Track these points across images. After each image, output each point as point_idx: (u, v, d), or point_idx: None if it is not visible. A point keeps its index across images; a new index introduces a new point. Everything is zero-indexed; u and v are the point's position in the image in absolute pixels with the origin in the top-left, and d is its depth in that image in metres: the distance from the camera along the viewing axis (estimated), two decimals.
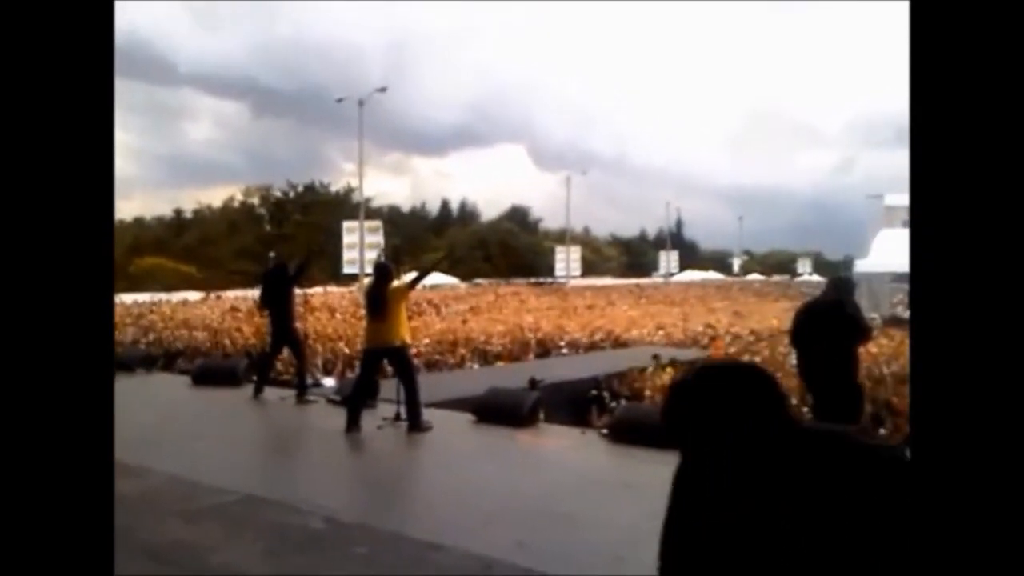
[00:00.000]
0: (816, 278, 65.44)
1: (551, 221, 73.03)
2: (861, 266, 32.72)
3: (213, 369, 10.63)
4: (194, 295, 31.98)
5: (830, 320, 5.04)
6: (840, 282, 5.36)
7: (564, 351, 17.09)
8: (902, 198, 35.85)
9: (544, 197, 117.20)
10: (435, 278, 40.05)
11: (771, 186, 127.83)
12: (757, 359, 12.77)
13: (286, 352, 9.94)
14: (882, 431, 7.43)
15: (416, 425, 7.22)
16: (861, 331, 5.09)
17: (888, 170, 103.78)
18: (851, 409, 5.05)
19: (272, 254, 10.60)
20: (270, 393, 9.31)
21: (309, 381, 10.16)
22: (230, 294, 32.38)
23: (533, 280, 51.54)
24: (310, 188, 60.40)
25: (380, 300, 7.33)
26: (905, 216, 34.51)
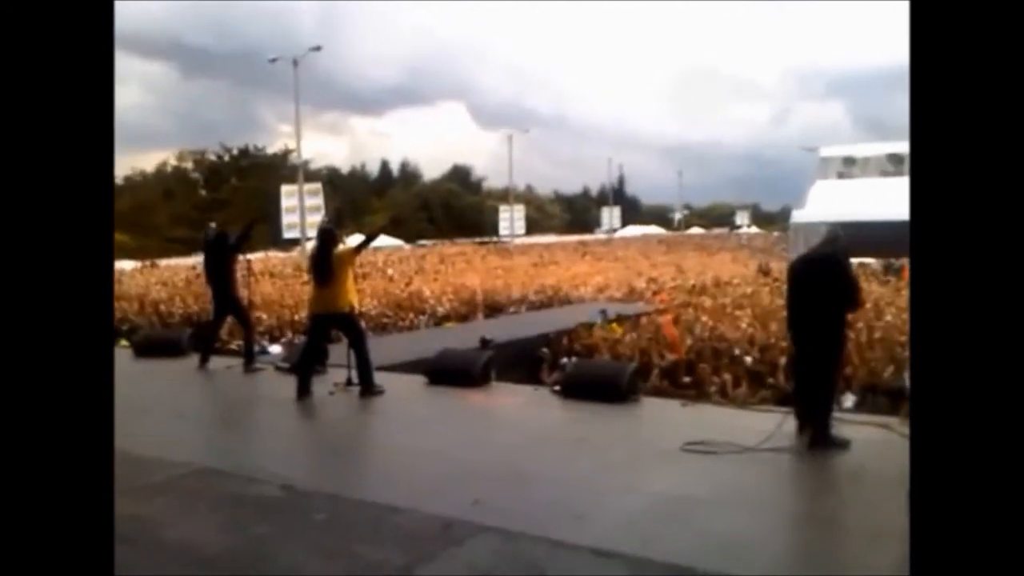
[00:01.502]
0: (754, 230, 66.87)
1: (494, 180, 72.65)
2: (797, 216, 33.49)
3: (155, 340, 10.38)
4: (129, 264, 30.96)
5: (828, 287, 5.26)
6: (835, 236, 5.51)
7: (512, 310, 17.17)
8: (836, 149, 36.75)
9: (486, 156, 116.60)
10: (379, 240, 39.50)
11: (709, 140, 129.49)
12: (700, 311, 13.06)
13: (229, 320, 9.77)
14: None
15: (368, 389, 7.20)
16: (855, 304, 5.44)
17: (821, 121, 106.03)
18: (834, 357, 5.40)
19: (212, 224, 10.30)
20: (215, 363, 9.14)
21: (256, 349, 10.02)
22: (166, 263, 31.51)
23: (478, 240, 51.39)
24: (245, 152, 58.71)
25: (325, 265, 7.22)
26: (839, 167, 35.42)
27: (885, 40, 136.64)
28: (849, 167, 35.36)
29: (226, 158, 58.48)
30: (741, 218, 74.34)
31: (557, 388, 7.20)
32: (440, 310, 16.43)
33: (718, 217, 79.32)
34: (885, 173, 34.19)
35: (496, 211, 56.51)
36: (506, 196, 56.44)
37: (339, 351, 7.98)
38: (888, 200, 29.55)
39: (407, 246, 46.04)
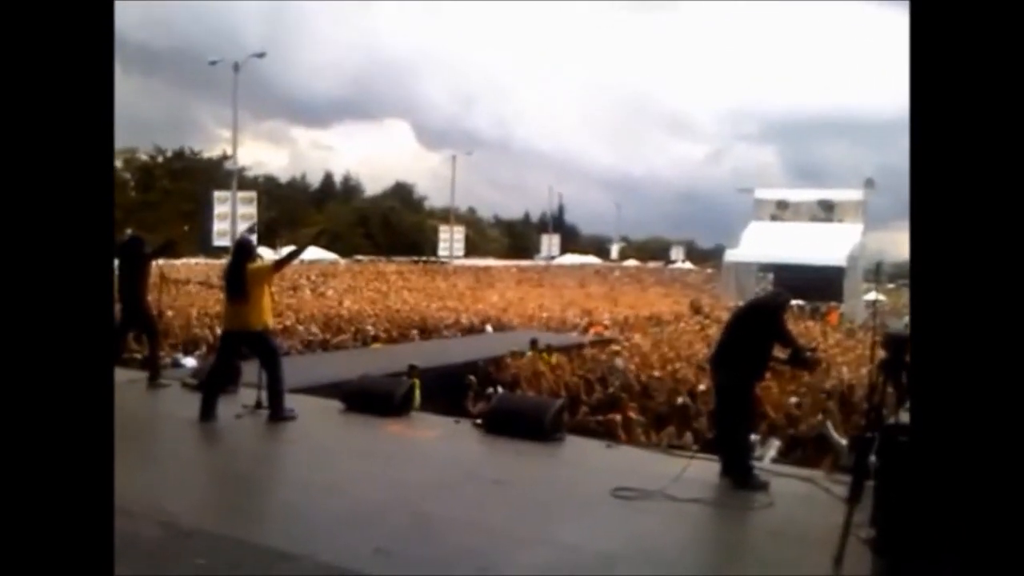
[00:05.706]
0: (688, 265, 68.19)
1: (435, 200, 72.35)
2: (731, 256, 34.27)
3: None
4: None
5: (761, 332, 5.51)
6: (780, 292, 6.71)
7: (444, 333, 16.84)
8: (770, 193, 37.80)
9: (428, 175, 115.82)
10: (314, 253, 38.72)
11: (646, 174, 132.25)
12: (631, 347, 12.98)
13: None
14: None
15: (278, 414, 6.76)
16: (801, 360, 5.74)
17: (753, 163, 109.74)
18: (750, 399, 5.70)
19: (129, 231, 9.74)
20: (119, 375, 8.48)
21: (167, 361, 9.48)
22: None
23: (415, 259, 50.84)
24: (180, 154, 56.89)
25: (239, 280, 6.77)
26: (773, 210, 36.37)
27: (818, 88, 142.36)
28: (782, 210, 36.33)
29: (159, 159, 56.54)
30: (676, 253, 75.71)
31: (479, 421, 6.90)
32: (370, 330, 15.98)
33: (654, 251, 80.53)
34: (815, 218, 35.29)
35: (436, 231, 56.17)
36: (447, 216, 56.18)
37: (254, 369, 7.49)
38: (817, 245, 30.52)
39: (343, 261, 45.22)
